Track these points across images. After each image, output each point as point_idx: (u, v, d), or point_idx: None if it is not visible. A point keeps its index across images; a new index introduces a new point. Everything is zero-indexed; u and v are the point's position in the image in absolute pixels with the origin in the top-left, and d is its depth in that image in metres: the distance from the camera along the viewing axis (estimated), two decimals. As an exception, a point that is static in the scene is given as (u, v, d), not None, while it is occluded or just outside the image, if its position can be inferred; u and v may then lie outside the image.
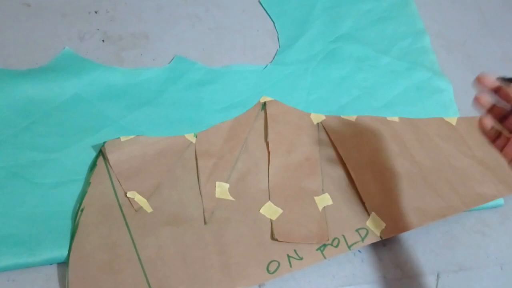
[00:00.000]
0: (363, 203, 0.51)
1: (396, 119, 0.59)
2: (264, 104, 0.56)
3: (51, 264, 0.43)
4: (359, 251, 0.50)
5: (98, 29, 0.58)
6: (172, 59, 0.58)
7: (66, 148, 0.48)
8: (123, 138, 0.49)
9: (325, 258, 0.47)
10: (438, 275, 0.51)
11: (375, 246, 0.51)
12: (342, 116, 0.57)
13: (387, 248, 0.51)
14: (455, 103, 0.64)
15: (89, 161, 0.48)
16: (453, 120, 0.61)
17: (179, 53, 0.59)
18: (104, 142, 0.48)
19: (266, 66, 0.61)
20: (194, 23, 0.62)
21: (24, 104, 0.49)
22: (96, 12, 0.59)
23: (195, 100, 0.55)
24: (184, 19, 0.62)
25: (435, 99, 0.64)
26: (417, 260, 0.51)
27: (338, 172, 0.53)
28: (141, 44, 0.58)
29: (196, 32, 0.62)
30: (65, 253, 0.43)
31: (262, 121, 0.55)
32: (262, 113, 0.56)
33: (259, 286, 0.46)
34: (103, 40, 0.57)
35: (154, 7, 0.62)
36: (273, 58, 0.62)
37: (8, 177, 0.45)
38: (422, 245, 0.52)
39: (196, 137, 0.52)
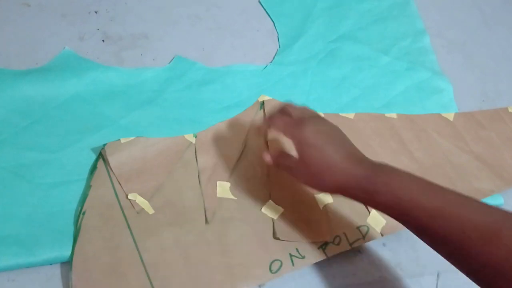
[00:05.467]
0: None
1: (394, 115, 0.59)
2: (263, 103, 0.56)
3: (51, 264, 0.43)
4: (359, 251, 0.50)
5: (98, 29, 0.58)
6: (172, 59, 0.58)
7: (66, 148, 0.48)
8: (123, 140, 0.49)
9: (327, 256, 0.47)
10: (438, 275, 0.51)
11: (375, 246, 0.51)
12: (340, 114, 0.58)
13: (387, 248, 0.51)
14: (455, 103, 0.64)
15: (89, 161, 0.48)
16: (450, 116, 0.62)
17: (179, 53, 0.59)
18: (104, 145, 0.48)
19: (266, 66, 0.61)
20: (194, 23, 0.62)
21: (24, 104, 0.49)
22: (96, 12, 0.59)
23: (195, 100, 0.55)
24: (184, 19, 0.62)
25: (435, 99, 0.64)
26: (417, 260, 0.51)
27: None
28: (141, 44, 0.58)
29: (196, 32, 0.62)
30: (66, 253, 0.43)
31: (261, 120, 0.55)
32: (261, 112, 0.56)
33: (259, 286, 0.46)
34: (103, 40, 0.57)
35: (154, 7, 0.62)
36: (273, 58, 0.62)
37: (8, 177, 0.45)
38: (422, 245, 0.52)
39: (195, 137, 0.52)
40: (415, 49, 0.68)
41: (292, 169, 0.43)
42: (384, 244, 0.51)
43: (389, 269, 0.50)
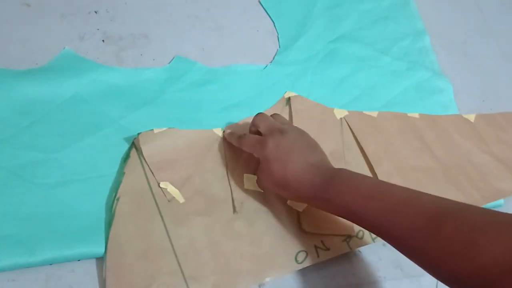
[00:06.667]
0: None
1: (416, 115, 0.60)
2: (289, 99, 0.57)
3: (51, 264, 0.43)
4: (359, 251, 0.50)
5: (98, 29, 0.58)
6: (172, 59, 0.58)
7: (66, 148, 0.48)
8: (156, 130, 0.50)
9: (350, 249, 0.49)
10: (438, 275, 0.51)
11: (375, 246, 0.51)
12: (364, 112, 0.59)
13: (387, 248, 0.51)
14: (455, 103, 0.65)
15: (89, 161, 0.48)
16: (471, 117, 0.63)
17: (179, 53, 0.59)
18: (138, 134, 0.49)
19: (266, 66, 0.61)
20: (194, 23, 0.62)
21: (24, 104, 0.49)
22: (96, 12, 0.59)
23: (195, 100, 0.55)
24: (184, 19, 0.62)
25: (435, 99, 0.64)
26: (417, 260, 0.51)
27: (361, 167, 0.55)
28: (141, 44, 0.58)
29: (196, 32, 0.62)
30: (66, 253, 0.43)
31: (286, 116, 0.56)
32: (287, 108, 0.57)
33: (259, 286, 0.46)
34: (103, 40, 0.57)
35: (154, 7, 0.62)
36: (273, 58, 0.62)
37: (8, 177, 0.45)
38: (422, 245, 0.52)
39: (223, 131, 0.53)
40: (415, 49, 0.68)
41: (258, 174, 0.47)
42: (384, 244, 0.51)
43: (389, 269, 0.50)
